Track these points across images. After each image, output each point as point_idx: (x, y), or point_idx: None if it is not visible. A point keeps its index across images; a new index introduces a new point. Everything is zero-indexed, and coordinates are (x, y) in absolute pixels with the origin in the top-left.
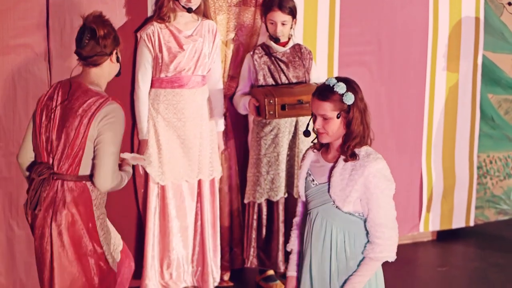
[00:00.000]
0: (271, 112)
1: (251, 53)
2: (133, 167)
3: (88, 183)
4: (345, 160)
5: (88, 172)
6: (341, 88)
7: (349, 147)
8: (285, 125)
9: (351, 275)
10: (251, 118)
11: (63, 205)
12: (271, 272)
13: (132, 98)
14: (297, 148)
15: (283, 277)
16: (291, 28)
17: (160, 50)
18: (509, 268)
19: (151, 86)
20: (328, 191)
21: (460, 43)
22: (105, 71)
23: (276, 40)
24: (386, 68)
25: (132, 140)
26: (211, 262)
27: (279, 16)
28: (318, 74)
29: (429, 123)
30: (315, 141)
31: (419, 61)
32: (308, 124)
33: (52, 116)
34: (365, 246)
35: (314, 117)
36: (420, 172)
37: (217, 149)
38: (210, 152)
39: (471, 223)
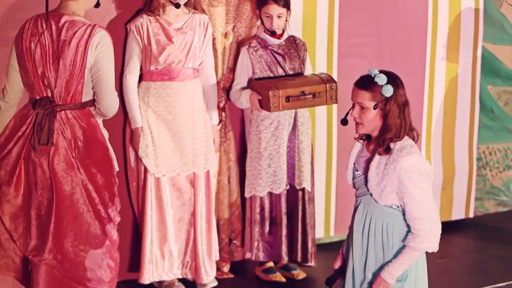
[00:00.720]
0: (275, 105)
1: (247, 46)
2: (125, 161)
3: (91, 108)
4: (379, 154)
5: (89, 99)
6: (381, 79)
7: (384, 140)
8: (285, 117)
9: (389, 261)
10: (247, 111)
11: (72, 133)
12: (270, 264)
13: (122, 91)
14: (296, 139)
15: (282, 268)
16: (285, 20)
17: (149, 43)
18: (509, 260)
19: (142, 79)
20: (366, 185)
21: (460, 34)
22: (82, 2)
23: (273, 33)
24: (386, 59)
25: (124, 131)
26: (204, 256)
27: (275, 9)
28: (310, 64)
29: (429, 115)
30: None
31: (418, 53)
32: (347, 113)
33: (45, 50)
34: (405, 236)
35: (352, 106)
36: None
37: (212, 142)
38: (204, 145)
39: (471, 215)
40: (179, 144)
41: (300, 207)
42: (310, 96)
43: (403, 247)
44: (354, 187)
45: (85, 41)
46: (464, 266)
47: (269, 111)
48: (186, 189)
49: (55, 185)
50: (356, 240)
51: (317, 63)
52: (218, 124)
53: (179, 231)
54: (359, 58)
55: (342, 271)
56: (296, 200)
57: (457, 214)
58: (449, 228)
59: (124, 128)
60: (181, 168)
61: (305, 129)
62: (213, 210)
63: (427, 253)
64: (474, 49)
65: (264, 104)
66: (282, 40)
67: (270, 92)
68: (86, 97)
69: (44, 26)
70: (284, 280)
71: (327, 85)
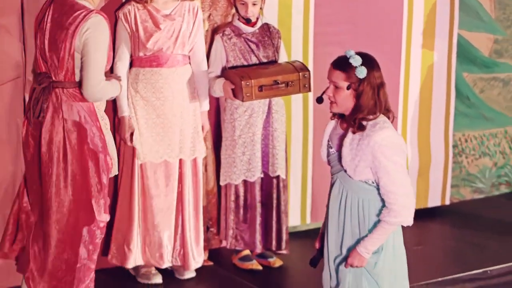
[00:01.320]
0: (248, 94)
1: (220, 34)
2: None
3: None
4: (353, 132)
5: None
6: (356, 60)
7: (355, 120)
8: (259, 105)
9: (365, 236)
10: (222, 99)
11: (68, 109)
12: (247, 252)
13: None
14: (271, 127)
15: (259, 256)
16: (260, 8)
17: (137, 29)
18: (485, 247)
19: (132, 66)
20: (340, 161)
21: (435, 22)
22: None
23: (247, 21)
24: (361, 47)
25: (114, 121)
26: (192, 242)
27: None
28: (284, 51)
29: (404, 102)
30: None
31: (394, 40)
32: (323, 92)
33: (44, 29)
34: (380, 211)
35: (328, 85)
36: None
37: (200, 129)
38: (192, 132)
39: (447, 202)
40: (168, 131)
41: (275, 195)
42: (283, 85)
43: (378, 221)
44: (329, 164)
45: (76, 26)
46: (440, 253)
47: (242, 100)
48: (175, 176)
49: (42, 163)
50: (332, 216)
51: (293, 51)
52: None
53: (168, 219)
54: (335, 46)
55: (322, 251)
56: (271, 188)
57: (433, 201)
58: (425, 215)
59: (114, 115)
60: (169, 155)
61: (279, 116)
62: (201, 197)
63: (403, 240)
64: (450, 37)
65: (237, 94)
66: (256, 28)
67: (242, 82)
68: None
69: (52, 7)
70: (260, 268)
71: (300, 73)
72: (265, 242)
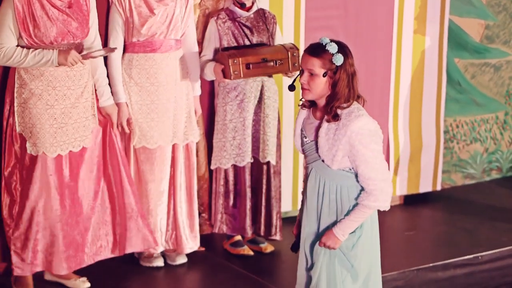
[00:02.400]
0: (236, 72)
1: (215, 18)
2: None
3: None
4: (328, 121)
5: None
6: (332, 48)
7: (332, 108)
8: (251, 90)
9: (342, 218)
10: (216, 83)
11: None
12: (238, 237)
13: (106, 63)
14: (262, 113)
15: (250, 242)
16: None
17: (131, 15)
18: (476, 232)
19: (125, 51)
20: (317, 151)
21: (427, 7)
22: None
23: (242, 5)
24: (353, 32)
25: None
26: (185, 226)
27: None
28: (281, 37)
29: (396, 87)
30: (303, 100)
31: (385, 26)
32: (294, 79)
33: None
34: (358, 195)
35: (301, 72)
36: (387, 137)
37: (193, 113)
38: (185, 117)
39: (438, 187)
40: (162, 116)
41: (264, 181)
42: (272, 63)
43: (356, 205)
44: (304, 153)
45: None
46: (431, 239)
47: (230, 79)
48: (168, 161)
49: None
50: (311, 205)
51: (284, 36)
52: None
53: (162, 203)
54: (326, 30)
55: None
56: (260, 173)
57: (425, 186)
58: (416, 200)
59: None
60: (163, 140)
61: (271, 102)
62: (194, 181)
63: (395, 226)
64: (441, 22)
65: (226, 73)
66: (251, 13)
67: (230, 60)
68: None
69: None
70: (251, 253)
71: (289, 52)
72: (255, 227)
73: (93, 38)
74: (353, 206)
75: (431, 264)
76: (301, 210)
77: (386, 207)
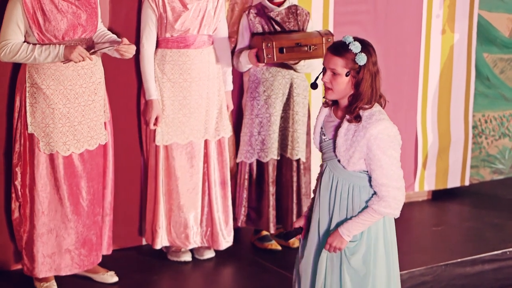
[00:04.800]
0: (269, 56)
1: (247, 12)
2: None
3: None
4: (349, 121)
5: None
6: (356, 47)
7: (355, 108)
8: (279, 86)
9: (349, 218)
10: (246, 78)
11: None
12: (266, 232)
13: (137, 59)
14: (291, 110)
15: (278, 236)
16: None
17: (164, 10)
18: (504, 227)
19: (158, 47)
20: (334, 150)
21: (456, 2)
22: None
23: None
24: (381, 27)
25: (139, 101)
26: (221, 222)
27: None
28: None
29: (425, 82)
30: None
31: (414, 20)
32: (317, 77)
33: None
34: (371, 198)
35: (324, 71)
36: (415, 132)
37: (225, 108)
38: (217, 112)
39: (466, 183)
40: (194, 112)
41: (295, 178)
42: (306, 48)
43: (366, 207)
44: (321, 150)
45: None
46: (460, 234)
47: (264, 62)
48: (200, 156)
49: None
50: (323, 204)
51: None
52: None
53: (194, 199)
54: (355, 26)
55: (301, 230)
56: (290, 170)
57: (453, 182)
58: (444, 196)
59: (138, 92)
60: (195, 135)
61: (301, 99)
62: (228, 176)
63: (423, 221)
64: (470, 17)
65: (260, 57)
66: (282, 8)
67: (263, 43)
68: None
69: None
70: (279, 248)
71: (324, 37)
72: (285, 224)
73: (103, 30)
74: (364, 208)
75: (459, 260)
76: (310, 208)
77: (395, 215)
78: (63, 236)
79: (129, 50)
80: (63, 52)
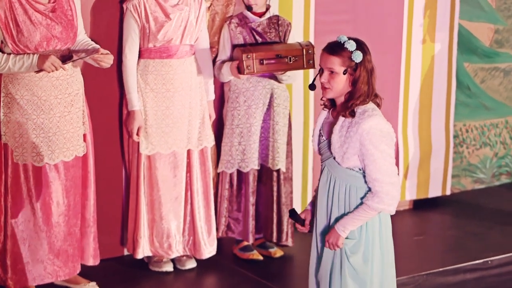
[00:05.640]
0: (249, 67)
1: (228, 23)
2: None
3: None
4: (344, 116)
5: None
6: (351, 45)
7: (352, 105)
8: (259, 96)
9: (345, 214)
10: (226, 88)
11: None
12: (247, 242)
13: (119, 69)
14: (272, 120)
15: (260, 246)
16: None
17: (147, 20)
18: (486, 237)
19: (140, 57)
20: (329, 148)
21: (436, 11)
22: None
23: (248, 8)
24: (362, 37)
25: (121, 111)
26: (203, 231)
27: None
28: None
29: (406, 92)
30: (324, 98)
31: (395, 30)
32: (314, 78)
33: None
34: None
35: (320, 72)
36: (396, 141)
37: (208, 118)
38: (199, 122)
39: (448, 192)
40: (176, 122)
41: (275, 188)
42: (286, 59)
43: (361, 204)
44: (320, 153)
45: None
46: (441, 243)
47: (244, 74)
48: (183, 166)
49: None
50: (321, 203)
51: (294, 40)
52: None
53: (177, 209)
54: (335, 35)
55: (303, 222)
56: (270, 180)
57: (434, 191)
58: (426, 205)
59: (120, 102)
60: (178, 145)
61: (282, 109)
62: (211, 186)
63: (404, 231)
64: (451, 27)
65: (240, 68)
66: (263, 19)
67: (243, 55)
68: None
69: None
70: (261, 258)
71: (304, 49)
72: (266, 234)
73: (86, 41)
74: (359, 205)
75: (441, 269)
76: (313, 201)
77: (390, 211)
78: (36, 246)
79: (105, 60)
80: (36, 61)
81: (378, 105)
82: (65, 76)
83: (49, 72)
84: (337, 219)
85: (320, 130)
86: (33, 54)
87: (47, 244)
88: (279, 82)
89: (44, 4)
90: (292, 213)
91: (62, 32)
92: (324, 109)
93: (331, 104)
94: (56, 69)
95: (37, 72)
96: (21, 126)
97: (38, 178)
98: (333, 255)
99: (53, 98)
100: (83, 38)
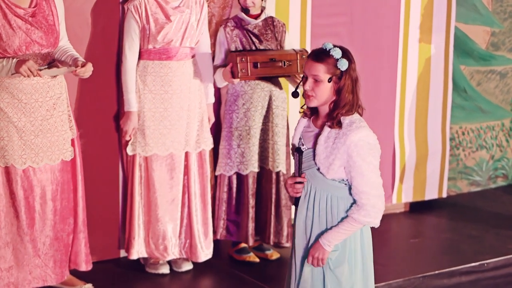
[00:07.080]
0: (244, 71)
1: (223, 25)
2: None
3: None
4: (330, 127)
5: None
6: (337, 53)
7: (337, 115)
8: (258, 99)
9: (329, 229)
10: (224, 91)
11: None
12: (244, 244)
13: (118, 69)
14: (271, 122)
15: (256, 249)
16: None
17: (148, 22)
18: (482, 239)
19: (140, 58)
20: (314, 158)
21: (433, 14)
22: None
23: (245, 10)
24: (359, 39)
25: (118, 112)
26: (200, 234)
27: None
28: (292, 45)
29: (402, 95)
30: (305, 107)
31: (391, 33)
32: (297, 86)
33: None
34: (350, 207)
35: (305, 79)
36: (392, 144)
37: (207, 121)
38: (198, 125)
39: (444, 195)
40: (175, 124)
41: (274, 190)
42: (280, 63)
43: (346, 217)
44: (299, 162)
45: None
46: (437, 246)
47: (238, 77)
48: (180, 168)
49: None
50: (300, 214)
51: (290, 41)
52: None
53: (173, 211)
54: (332, 38)
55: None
56: (269, 182)
57: (430, 194)
58: (422, 208)
59: (118, 102)
60: (175, 147)
61: (280, 111)
62: (208, 189)
63: (400, 233)
64: (447, 29)
65: (234, 72)
66: (259, 21)
67: (238, 58)
68: None
69: None
70: (257, 260)
71: (298, 54)
72: (264, 236)
73: (66, 47)
74: (343, 218)
75: (436, 272)
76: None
77: (375, 224)
78: (20, 249)
79: (85, 74)
80: (14, 65)
81: (361, 115)
82: (46, 80)
83: (25, 77)
84: (320, 233)
85: (300, 139)
86: (12, 58)
87: (32, 248)
88: (277, 84)
89: (24, 9)
90: (298, 150)
91: (43, 37)
92: (304, 117)
93: (311, 112)
94: (33, 74)
95: (12, 74)
96: (2, 129)
97: (21, 181)
98: (312, 267)
99: (34, 101)
100: (63, 44)
